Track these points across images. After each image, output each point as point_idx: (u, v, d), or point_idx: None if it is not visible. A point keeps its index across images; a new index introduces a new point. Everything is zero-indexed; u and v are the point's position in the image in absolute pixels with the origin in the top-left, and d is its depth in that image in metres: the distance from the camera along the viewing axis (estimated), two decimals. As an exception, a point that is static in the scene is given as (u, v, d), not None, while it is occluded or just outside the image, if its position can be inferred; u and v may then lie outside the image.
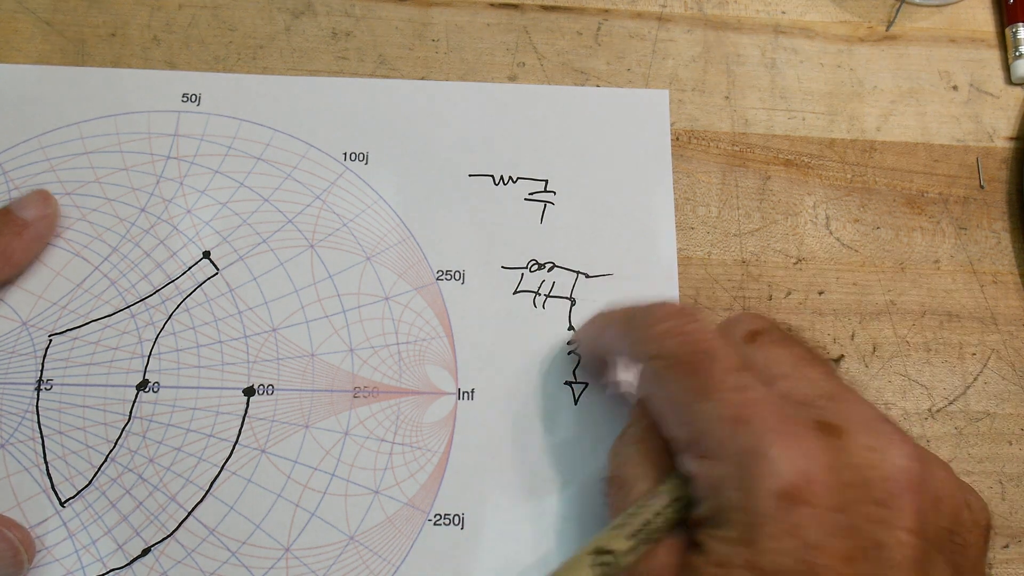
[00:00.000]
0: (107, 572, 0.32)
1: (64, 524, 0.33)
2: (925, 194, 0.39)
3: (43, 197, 0.35)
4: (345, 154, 0.38)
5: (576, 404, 0.35)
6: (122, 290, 0.36)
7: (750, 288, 0.37)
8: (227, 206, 0.37)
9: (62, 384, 0.34)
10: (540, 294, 0.36)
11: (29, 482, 0.33)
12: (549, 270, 0.37)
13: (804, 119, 0.40)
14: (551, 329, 0.36)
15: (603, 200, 0.38)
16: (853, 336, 0.37)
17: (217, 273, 0.36)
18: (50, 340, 0.35)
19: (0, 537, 0.30)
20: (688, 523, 0.25)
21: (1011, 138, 0.40)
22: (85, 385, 0.34)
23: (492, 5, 0.41)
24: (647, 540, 0.25)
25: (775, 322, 0.28)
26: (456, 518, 0.33)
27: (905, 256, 0.38)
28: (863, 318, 0.37)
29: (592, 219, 0.37)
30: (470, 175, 0.38)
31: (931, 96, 0.41)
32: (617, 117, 0.39)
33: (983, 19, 0.42)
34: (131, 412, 0.34)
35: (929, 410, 0.36)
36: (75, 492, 0.33)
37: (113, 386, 0.34)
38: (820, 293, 0.37)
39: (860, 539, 0.22)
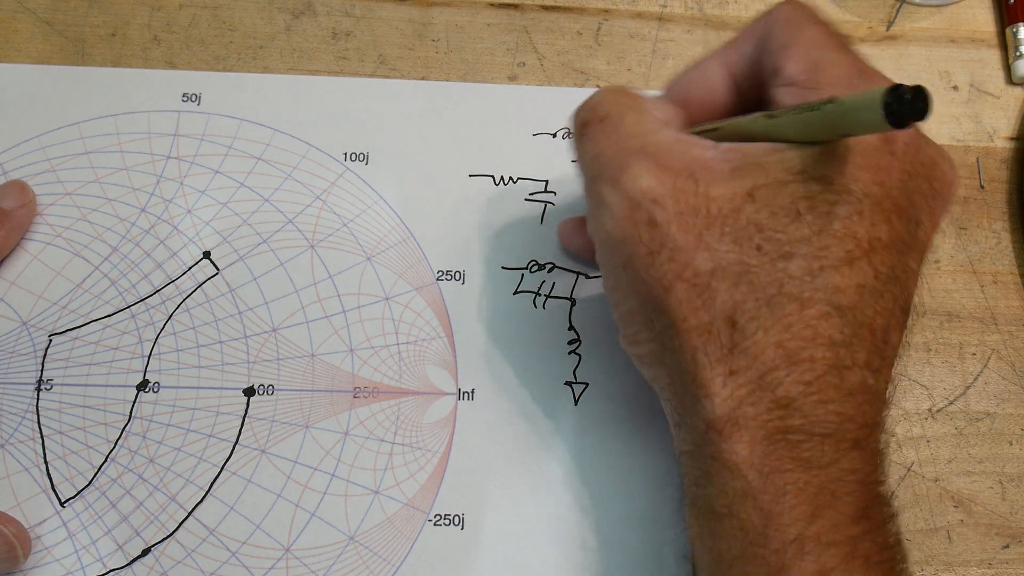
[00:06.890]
0: (107, 572, 0.32)
1: (64, 524, 0.33)
2: (925, 194, 0.39)
3: (20, 187, 0.36)
4: (345, 154, 0.38)
5: (576, 404, 0.35)
6: (122, 290, 0.36)
7: (750, 288, 0.37)
8: (227, 206, 0.37)
9: (62, 384, 0.34)
10: (540, 294, 0.36)
11: (29, 482, 0.33)
12: (549, 270, 0.37)
13: (804, 119, 0.40)
14: (551, 329, 0.36)
15: (603, 200, 0.38)
16: (853, 336, 0.37)
17: (217, 273, 0.36)
18: (50, 340, 0.35)
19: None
20: None
21: (1011, 138, 0.40)
22: (85, 385, 0.34)
23: (492, 5, 0.41)
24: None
25: None
26: (456, 518, 0.33)
27: (905, 256, 0.38)
28: (863, 318, 0.37)
29: (592, 219, 0.37)
30: (470, 175, 0.38)
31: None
32: (617, 117, 0.39)
33: (983, 19, 0.42)
34: (131, 412, 0.34)
35: (929, 410, 0.36)
36: (75, 492, 0.33)
37: (113, 386, 0.34)
38: (820, 293, 0.37)
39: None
